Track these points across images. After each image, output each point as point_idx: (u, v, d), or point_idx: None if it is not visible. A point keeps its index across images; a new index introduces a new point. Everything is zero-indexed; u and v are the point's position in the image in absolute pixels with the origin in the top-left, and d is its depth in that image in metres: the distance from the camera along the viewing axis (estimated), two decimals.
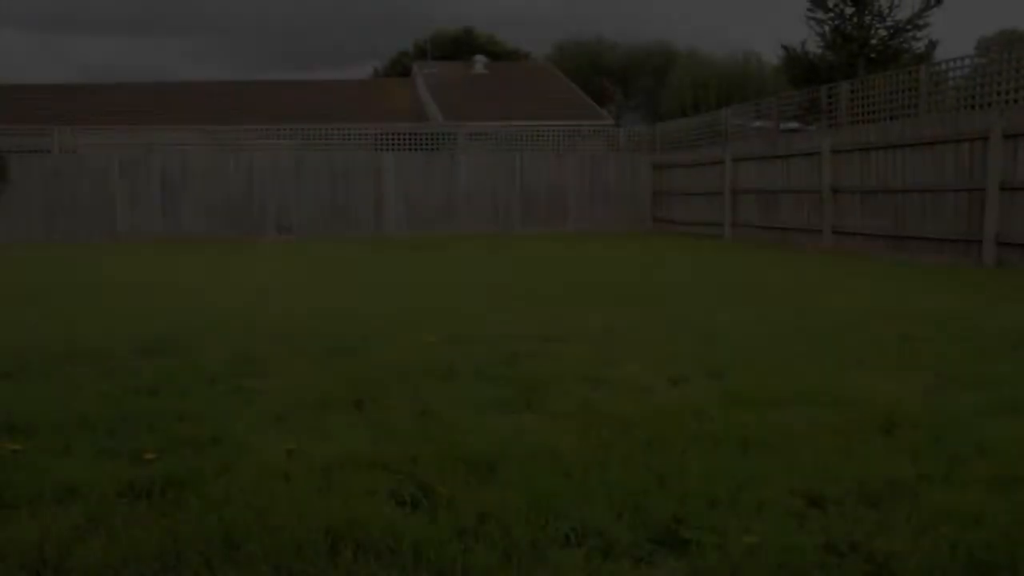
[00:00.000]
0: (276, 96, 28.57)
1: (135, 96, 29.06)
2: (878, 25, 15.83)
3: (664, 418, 3.20)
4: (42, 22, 69.27)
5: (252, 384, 3.85)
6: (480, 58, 33.57)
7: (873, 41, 15.81)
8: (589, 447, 2.88)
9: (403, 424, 3.15)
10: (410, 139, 19.69)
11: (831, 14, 16.19)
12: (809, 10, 16.37)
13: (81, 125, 20.13)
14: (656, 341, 4.89)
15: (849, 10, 16.02)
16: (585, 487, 2.51)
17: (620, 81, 44.92)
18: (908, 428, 3.05)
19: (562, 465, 2.68)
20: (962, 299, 6.73)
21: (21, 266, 11.08)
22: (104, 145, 18.89)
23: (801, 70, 16.55)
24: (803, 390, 3.61)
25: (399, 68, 41.37)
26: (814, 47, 16.56)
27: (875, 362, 4.24)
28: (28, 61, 66.57)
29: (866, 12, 15.79)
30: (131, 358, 4.51)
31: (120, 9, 68.80)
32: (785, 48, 16.86)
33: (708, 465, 2.66)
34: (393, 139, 19.59)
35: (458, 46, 42.97)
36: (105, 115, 26.12)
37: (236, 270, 10.17)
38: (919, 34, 15.66)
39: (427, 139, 19.83)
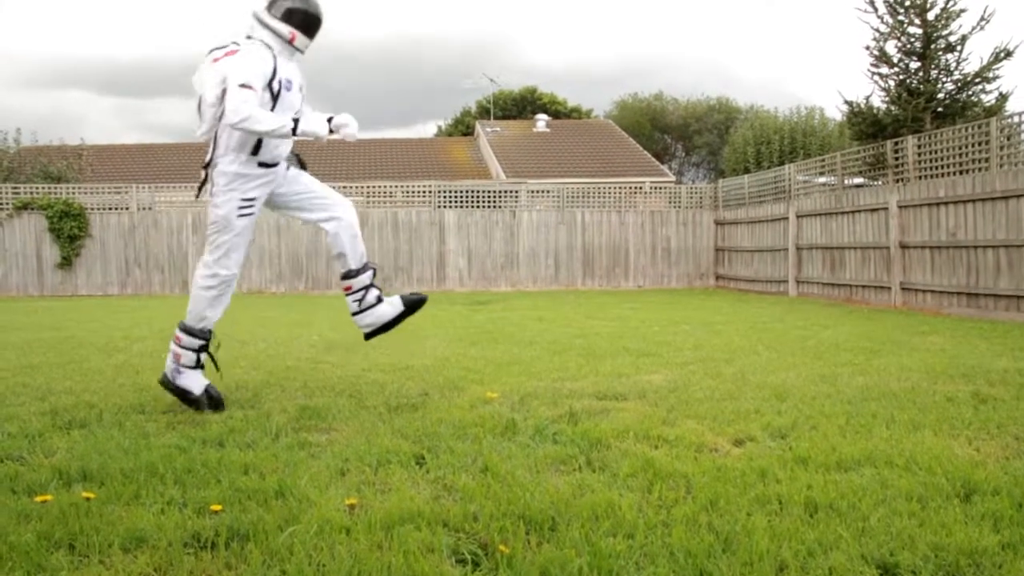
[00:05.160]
0: (342, 154, 29.40)
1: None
2: (945, 79, 15.59)
3: (728, 479, 3.13)
4: (122, 87, 72.90)
5: (316, 438, 3.90)
6: (542, 117, 34.14)
7: (940, 95, 15.54)
8: (651, 507, 2.83)
9: (464, 481, 3.14)
10: (472, 196, 20.00)
11: (895, 69, 16.01)
12: (872, 65, 16.22)
13: (157, 183, 20.97)
14: (719, 400, 4.80)
15: (914, 65, 15.82)
16: (647, 548, 2.46)
17: (681, 137, 45.03)
18: (988, 494, 2.92)
19: (624, 525, 2.64)
20: None
21: (100, 317, 11.49)
22: (178, 202, 19.65)
23: (865, 125, 16.33)
24: (873, 452, 3.50)
25: (462, 127, 42.23)
26: (878, 101, 16.36)
27: (949, 424, 4.09)
28: (109, 123, 69.97)
29: (932, 66, 15.58)
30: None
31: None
32: (848, 103, 16.68)
33: (774, 528, 2.59)
34: (456, 196, 19.92)
35: (521, 105, 43.75)
36: (180, 173, 27.19)
37: (300, 323, 10.37)
38: (989, 87, 15.35)
39: (489, 196, 20.11)
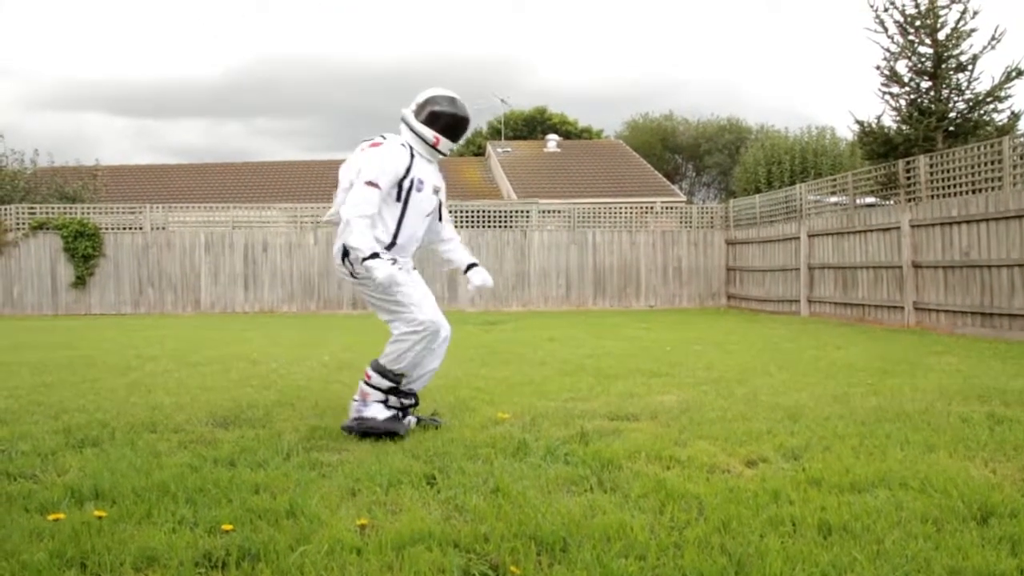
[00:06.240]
0: None
1: (221, 175, 30.43)
2: (956, 98, 15.55)
3: (740, 500, 3.11)
4: (137, 108, 73.75)
5: (327, 458, 3.90)
6: (553, 137, 34.27)
7: (951, 114, 15.51)
8: (663, 529, 2.81)
9: (475, 501, 3.13)
10: (483, 216, 20.06)
11: (906, 88, 16.00)
12: (883, 84, 16.21)
13: (171, 203, 21.12)
14: (731, 420, 4.78)
15: (925, 84, 15.80)
16: (659, 570, 2.44)
17: (692, 157, 45.07)
18: (1005, 517, 2.89)
19: (635, 547, 2.62)
20: None
21: (113, 336, 11.54)
22: (191, 222, 19.79)
23: (877, 144, 16.29)
24: (887, 474, 3.47)
25: (473, 147, 42.37)
26: (889, 121, 16.33)
27: (964, 445, 4.05)
28: (124, 144, 70.73)
29: (943, 86, 15.55)
30: (210, 430, 4.63)
31: (206, 97, 72.85)
32: (860, 123, 16.66)
33: (788, 551, 2.57)
34: (467, 216, 19.98)
35: (531, 125, 43.94)
36: (193, 193, 27.41)
37: (312, 343, 10.39)
38: (1000, 106, 15.31)
39: (500, 216, 20.17)
